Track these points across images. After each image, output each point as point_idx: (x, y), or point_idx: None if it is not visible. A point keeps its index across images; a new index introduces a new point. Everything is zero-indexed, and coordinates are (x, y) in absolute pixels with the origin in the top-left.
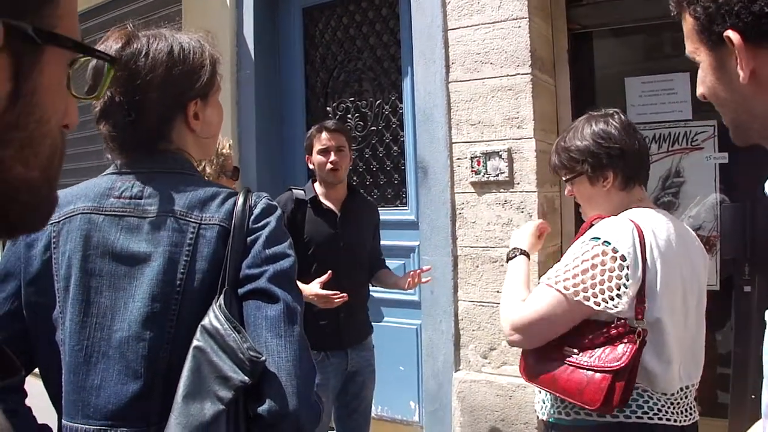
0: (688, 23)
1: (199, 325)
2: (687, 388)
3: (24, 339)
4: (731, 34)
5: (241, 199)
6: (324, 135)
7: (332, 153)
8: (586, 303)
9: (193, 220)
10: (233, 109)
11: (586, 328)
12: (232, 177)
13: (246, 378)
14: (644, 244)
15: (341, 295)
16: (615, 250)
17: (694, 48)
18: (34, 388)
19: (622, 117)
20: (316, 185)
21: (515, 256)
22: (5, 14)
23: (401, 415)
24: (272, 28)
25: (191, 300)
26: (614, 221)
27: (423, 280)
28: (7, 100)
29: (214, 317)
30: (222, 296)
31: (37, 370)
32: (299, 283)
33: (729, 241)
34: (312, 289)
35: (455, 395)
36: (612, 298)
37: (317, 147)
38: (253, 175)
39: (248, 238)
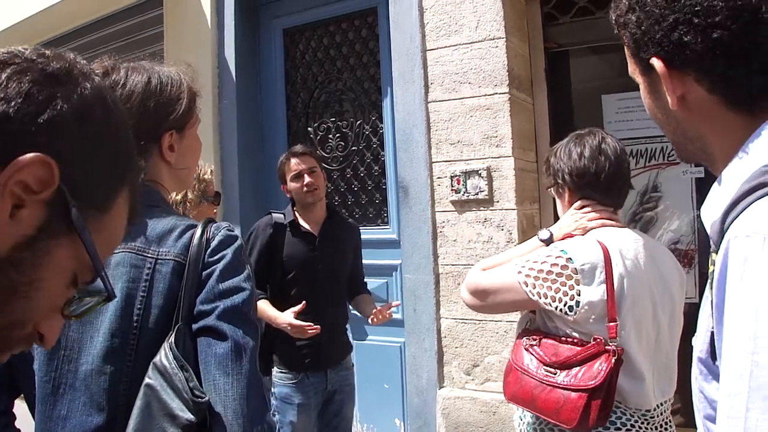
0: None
1: (151, 363)
2: (662, 404)
3: (8, 366)
4: (655, 62)
5: (198, 232)
6: (294, 161)
7: (306, 175)
8: (533, 297)
9: (150, 255)
10: (215, 130)
11: (564, 349)
12: (213, 202)
13: (192, 417)
14: (610, 265)
15: (314, 327)
16: (570, 260)
17: (632, 69)
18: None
19: (592, 140)
20: (296, 209)
21: (539, 236)
22: (69, 185)
23: None
24: (253, 49)
25: (148, 336)
26: (582, 240)
27: (389, 316)
28: (23, 240)
29: (164, 355)
30: (174, 333)
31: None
32: (273, 311)
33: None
34: (286, 318)
35: (439, 412)
36: (554, 299)
37: (290, 174)
38: (235, 196)
39: (204, 272)
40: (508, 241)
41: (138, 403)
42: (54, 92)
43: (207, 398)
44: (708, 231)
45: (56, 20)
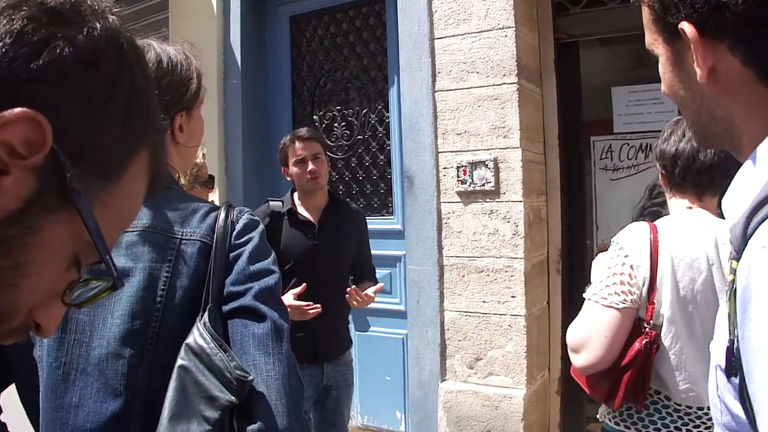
0: (645, 12)
1: (184, 344)
2: None
3: (0, 354)
4: (686, 27)
5: (222, 214)
6: (298, 144)
7: (309, 162)
8: (624, 306)
9: (174, 235)
10: (220, 117)
11: None
12: (207, 185)
13: (233, 398)
14: (656, 248)
15: (315, 306)
16: (621, 249)
17: (652, 39)
18: (13, 404)
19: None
20: (295, 196)
21: None
22: (68, 147)
23: (387, 425)
24: (259, 36)
25: (172, 317)
26: (633, 225)
27: (365, 299)
28: (6, 215)
29: (199, 335)
30: (206, 314)
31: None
32: None
33: None
34: (285, 300)
35: (441, 405)
36: (618, 294)
37: (293, 158)
38: (239, 184)
39: (231, 254)
40: (514, 234)
41: (172, 385)
42: (54, 32)
43: (252, 377)
44: (728, 233)
45: None
